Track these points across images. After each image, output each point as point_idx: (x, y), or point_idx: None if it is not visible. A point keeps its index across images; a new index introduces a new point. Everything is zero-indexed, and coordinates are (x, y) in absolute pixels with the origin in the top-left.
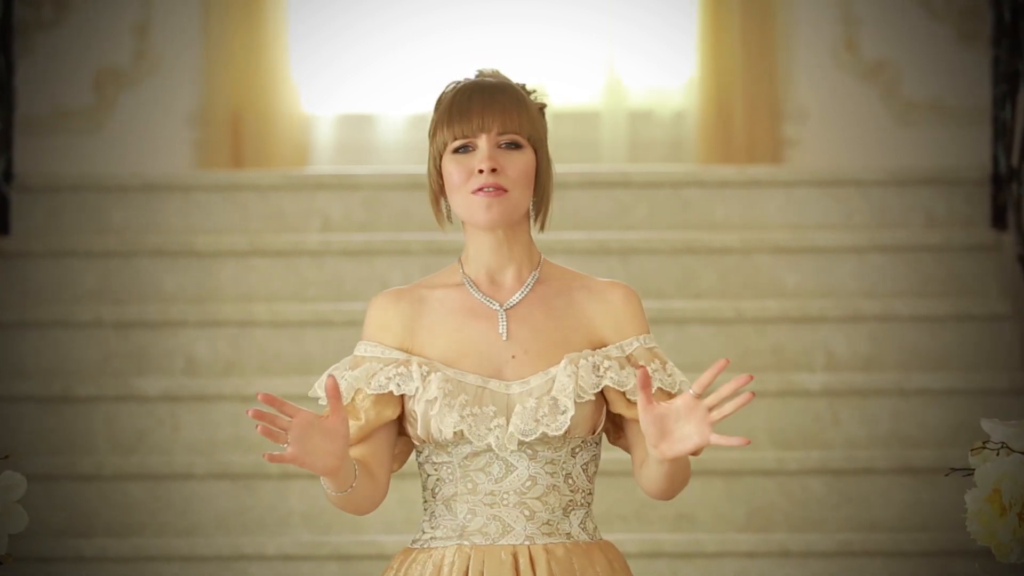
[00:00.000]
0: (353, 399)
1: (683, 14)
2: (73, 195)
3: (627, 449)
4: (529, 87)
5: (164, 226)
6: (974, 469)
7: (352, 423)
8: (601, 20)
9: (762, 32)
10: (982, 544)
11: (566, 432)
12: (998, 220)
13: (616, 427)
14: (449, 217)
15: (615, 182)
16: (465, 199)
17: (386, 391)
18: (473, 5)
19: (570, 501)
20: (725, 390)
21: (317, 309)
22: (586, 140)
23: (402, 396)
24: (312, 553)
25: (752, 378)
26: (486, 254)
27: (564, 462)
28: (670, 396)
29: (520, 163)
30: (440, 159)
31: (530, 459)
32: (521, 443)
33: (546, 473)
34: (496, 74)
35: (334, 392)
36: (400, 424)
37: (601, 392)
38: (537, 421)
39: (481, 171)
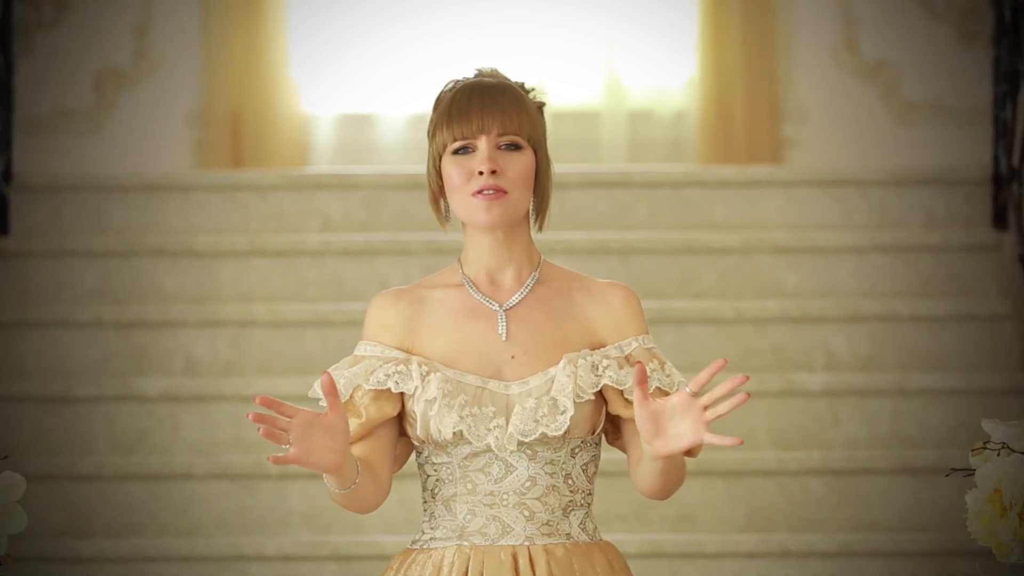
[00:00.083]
0: (352, 397)
1: (683, 14)
2: (73, 195)
3: (623, 449)
4: (528, 85)
5: (164, 226)
6: (975, 469)
7: (353, 421)
8: (601, 20)
9: (762, 32)
10: (983, 544)
11: (566, 432)
12: (999, 220)
13: (615, 428)
14: (448, 217)
15: (615, 182)
16: (465, 201)
17: (384, 387)
18: (473, 5)
19: (570, 501)
20: (721, 390)
21: (317, 309)
22: (586, 140)
23: (402, 395)
24: (312, 553)
25: (748, 378)
26: (486, 255)
27: (564, 462)
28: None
29: (520, 164)
30: (439, 160)
31: (530, 459)
32: (521, 443)
33: (546, 474)
34: (495, 73)
35: (330, 388)
36: (400, 424)
37: (600, 393)
38: (536, 421)
39: (481, 173)
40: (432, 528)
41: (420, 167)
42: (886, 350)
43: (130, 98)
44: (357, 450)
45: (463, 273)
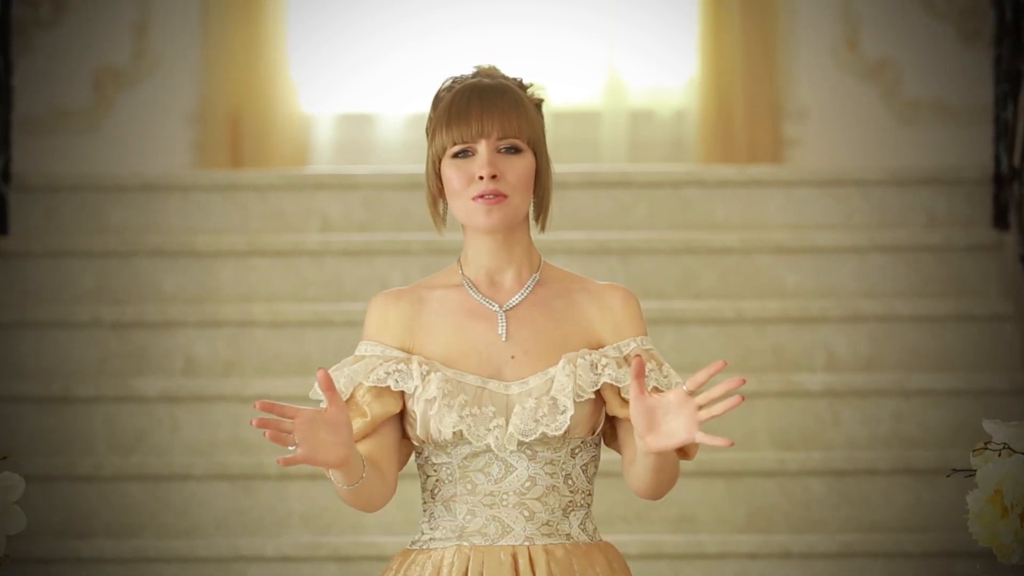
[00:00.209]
0: (354, 395)
1: (683, 14)
2: (72, 195)
3: (619, 450)
4: (526, 81)
5: (163, 226)
6: (976, 470)
7: (358, 420)
8: (601, 20)
9: (763, 31)
10: (984, 545)
11: (566, 432)
12: (999, 220)
13: (611, 428)
14: (446, 219)
15: (615, 182)
16: (465, 205)
17: (385, 385)
18: (473, 5)
19: (570, 502)
20: (717, 390)
21: (317, 309)
22: (586, 140)
23: (403, 394)
24: (311, 554)
25: (744, 381)
26: (485, 256)
27: (564, 463)
28: None
29: (520, 167)
30: (439, 162)
31: (530, 460)
32: (521, 443)
33: (546, 474)
34: (493, 71)
35: (328, 383)
36: (402, 423)
37: (599, 393)
38: (537, 421)
39: (481, 177)
40: (432, 528)
41: (420, 167)
42: (887, 350)
43: (129, 98)
44: (362, 448)
45: (463, 274)
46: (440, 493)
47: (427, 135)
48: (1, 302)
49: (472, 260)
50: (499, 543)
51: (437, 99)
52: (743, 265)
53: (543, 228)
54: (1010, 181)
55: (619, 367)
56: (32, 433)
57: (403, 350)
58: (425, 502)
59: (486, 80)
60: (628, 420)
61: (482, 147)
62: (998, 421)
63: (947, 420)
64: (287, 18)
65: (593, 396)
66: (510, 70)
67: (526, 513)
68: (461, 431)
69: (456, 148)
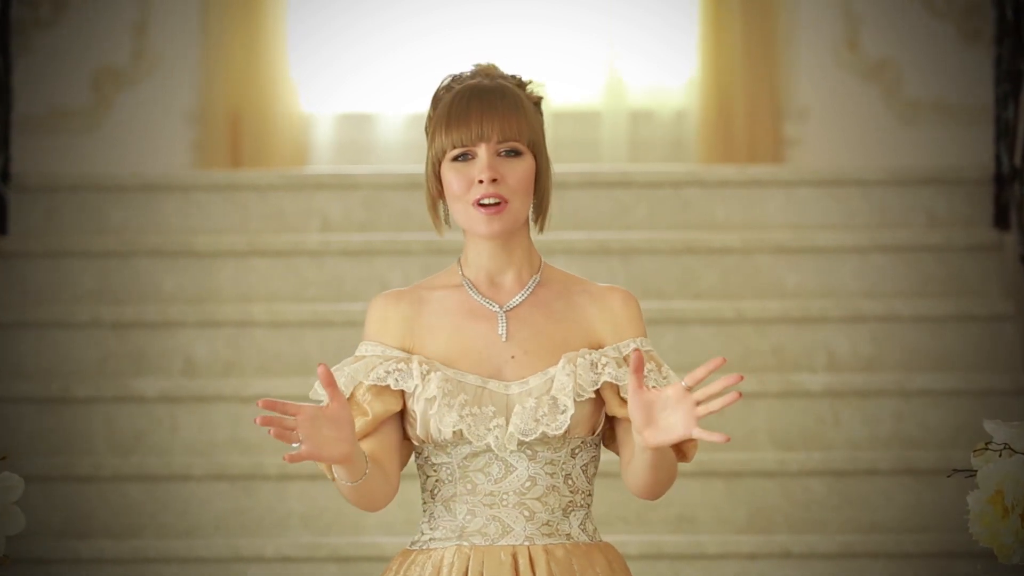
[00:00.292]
0: (355, 395)
1: (683, 14)
2: (71, 195)
3: (617, 450)
4: (524, 79)
5: (163, 226)
6: (976, 470)
7: (359, 419)
8: (601, 20)
9: (763, 31)
10: (984, 546)
11: (566, 432)
12: (1000, 220)
13: (610, 428)
14: (447, 221)
15: (615, 182)
16: (465, 210)
17: (384, 384)
18: (473, 5)
19: (570, 502)
20: (715, 386)
21: (316, 309)
22: (586, 140)
23: (403, 393)
24: (311, 555)
25: (742, 378)
26: (486, 258)
27: (564, 463)
28: None
29: (520, 171)
30: (439, 165)
31: (530, 460)
32: (521, 443)
33: (546, 474)
34: (492, 69)
35: (328, 379)
36: (403, 423)
37: (598, 393)
38: (537, 421)
39: (481, 181)
40: (431, 529)
41: (420, 167)
42: (887, 350)
43: (129, 98)
44: (364, 447)
45: (463, 274)
46: (440, 493)
47: (426, 134)
48: (0, 302)
49: (472, 261)
50: (499, 543)
51: (436, 98)
52: (743, 265)
53: (542, 229)
54: (1011, 181)
55: (619, 367)
56: (31, 433)
57: (403, 350)
58: (425, 502)
59: (485, 82)
60: (627, 420)
61: (482, 151)
62: (999, 421)
63: (948, 420)
64: (287, 18)
65: (593, 396)
66: (510, 70)
67: (526, 513)
68: (461, 431)
69: (456, 151)
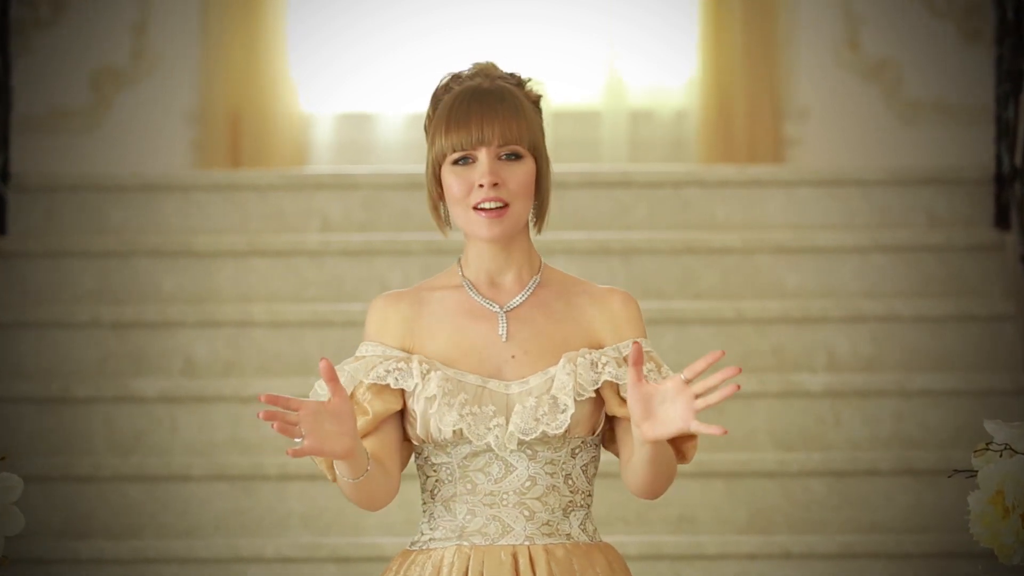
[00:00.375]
0: (355, 394)
1: (683, 14)
2: (71, 195)
3: (616, 451)
4: (524, 76)
5: (162, 226)
6: (977, 471)
7: (360, 418)
8: (601, 20)
9: (763, 31)
10: (985, 546)
11: (566, 432)
12: (1001, 220)
13: (609, 429)
14: (448, 221)
15: (615, 182)
16: (466, 214)
17: (384, 382)
18: (473, 5)
19: (570, 502)
20: (713, 379)
21: (316, 309)
22: (586, 140)
23: (403, 393)
24: (311, 555)
25: (740, 370)
26: (486, 260)
27: (564, 463)
28: None
29: (520, 174)
30: (439, 167)
31: (530, 459)
32: (521, 443)
33: (546, 473)
34: (492, 67)
35: (330, 374)
36: (402, 424)
37: (598, 393)
38: (537, 420)
39: (482, 186)
40: (431, 529)
41: (420, 167)
42: (888, 351)
43: (128, 97)
44: (366, 445)
45: (463, 275)
46: (440, 493)
47: (426, 133)
48: (0, 302)
49: (472, 262)
50: (499, 543)
51: (436, 98)
52: (744, 265)
53: (540, 230)
54: (1011, 181)
55: (619, 366)
56: (31, 433)
57: (403, 350)
58: (425, 503)
59: (485, 83)
60: (626, 419)
61: (482, 155)
62: (999, 422)
63: (948, 421)
64: (287, 18)
65: (593, 395)
66: (509, 70)
67: (526, 513)
68: (461, 430)
69: (456, 155)
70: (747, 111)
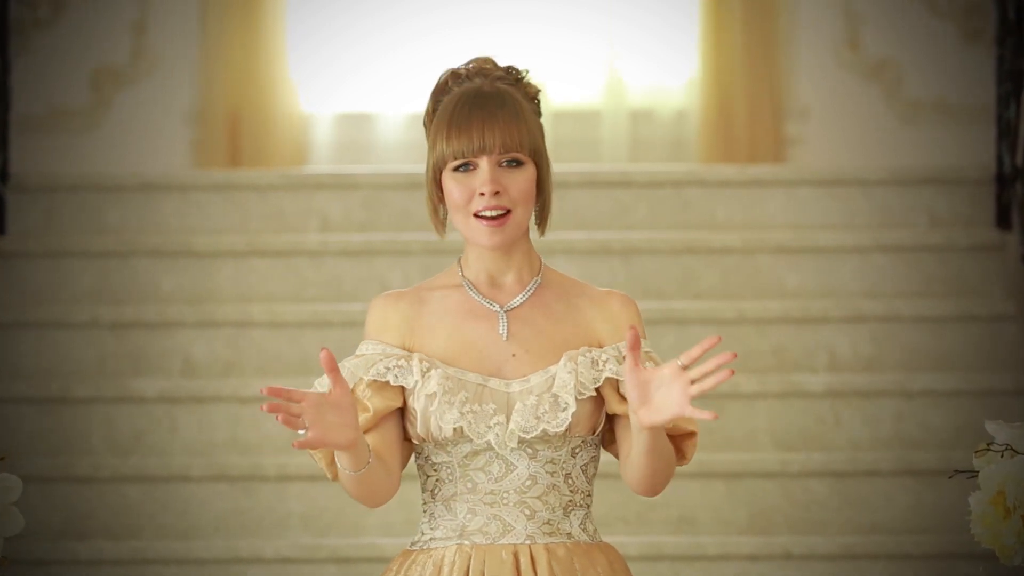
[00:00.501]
0: (355, 391)
1: (683, 14)
2: (70, 195)
3: (615, 452)
4: (521, 70)
5: (162, 226)
6: (978, 471)
7: (361, 415)
8: (601, 20)
9: (763, 31)
10: (986, 547)
11: (566, 431)
12: (1002, 220)
13: (609, 428)
14: (446, 224)
15: (616, 182)
16: (467, 221)
17: (384, 379)
18: (473, 5)
19: (570, 501)
20: (708, 365)
21: (316, 310)
22: (587, 139)
23: (403, 391)
24: (310, 556)
25: (735, 356)
26: (487, 262)
27: (564, 462)
28: None
29: (522, 180)
30: (439, 172)
31: (530, 458)
32: (521, 441)
33: (546, 473)
34: (490, 63)
35: (331, 365)
36: (403, 422)
37: (599, 392)
38: (538, 418)
39: (483, 194)
40: (432, 528)
41: (420, 167)
42: (888, 351)
43: (128, 97)
44: (367, 441)
45: (463, 275)
46: (440, 492)
47: (425, 130)
48: None
49: (473, 263)
50: (500, 542)
51: (435, 96)
52: (744, 265)
53: (543, 232)
54: (1012, 181)
55: (619, 364)
56: (30, 434)
57: (404, 349)
58: (425, 502)
59: (485, 86)
60: (626, 417)
61: (484, 163)
62: (1000, 422)
63: (949, 421)
64: (286, 18)
65: (595, 393)
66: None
67: (527, 512)
68: (461, 428)
69: (457, 162)
70: (747, 111)
